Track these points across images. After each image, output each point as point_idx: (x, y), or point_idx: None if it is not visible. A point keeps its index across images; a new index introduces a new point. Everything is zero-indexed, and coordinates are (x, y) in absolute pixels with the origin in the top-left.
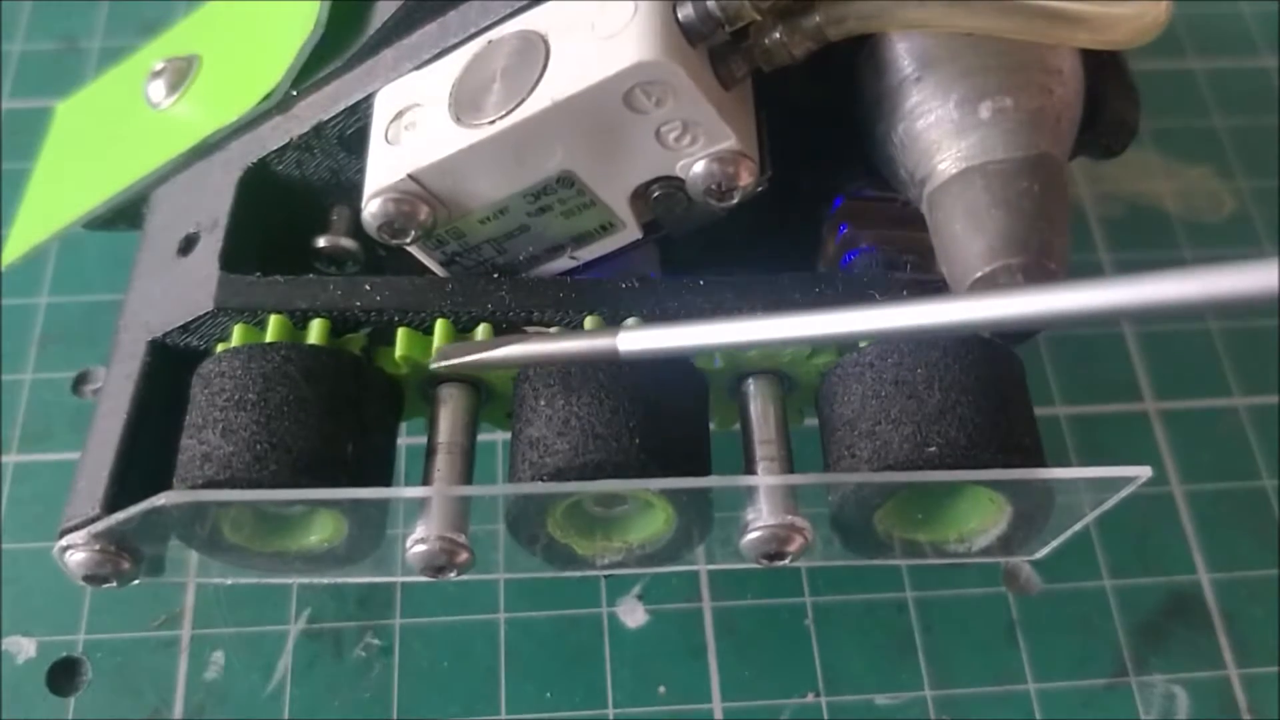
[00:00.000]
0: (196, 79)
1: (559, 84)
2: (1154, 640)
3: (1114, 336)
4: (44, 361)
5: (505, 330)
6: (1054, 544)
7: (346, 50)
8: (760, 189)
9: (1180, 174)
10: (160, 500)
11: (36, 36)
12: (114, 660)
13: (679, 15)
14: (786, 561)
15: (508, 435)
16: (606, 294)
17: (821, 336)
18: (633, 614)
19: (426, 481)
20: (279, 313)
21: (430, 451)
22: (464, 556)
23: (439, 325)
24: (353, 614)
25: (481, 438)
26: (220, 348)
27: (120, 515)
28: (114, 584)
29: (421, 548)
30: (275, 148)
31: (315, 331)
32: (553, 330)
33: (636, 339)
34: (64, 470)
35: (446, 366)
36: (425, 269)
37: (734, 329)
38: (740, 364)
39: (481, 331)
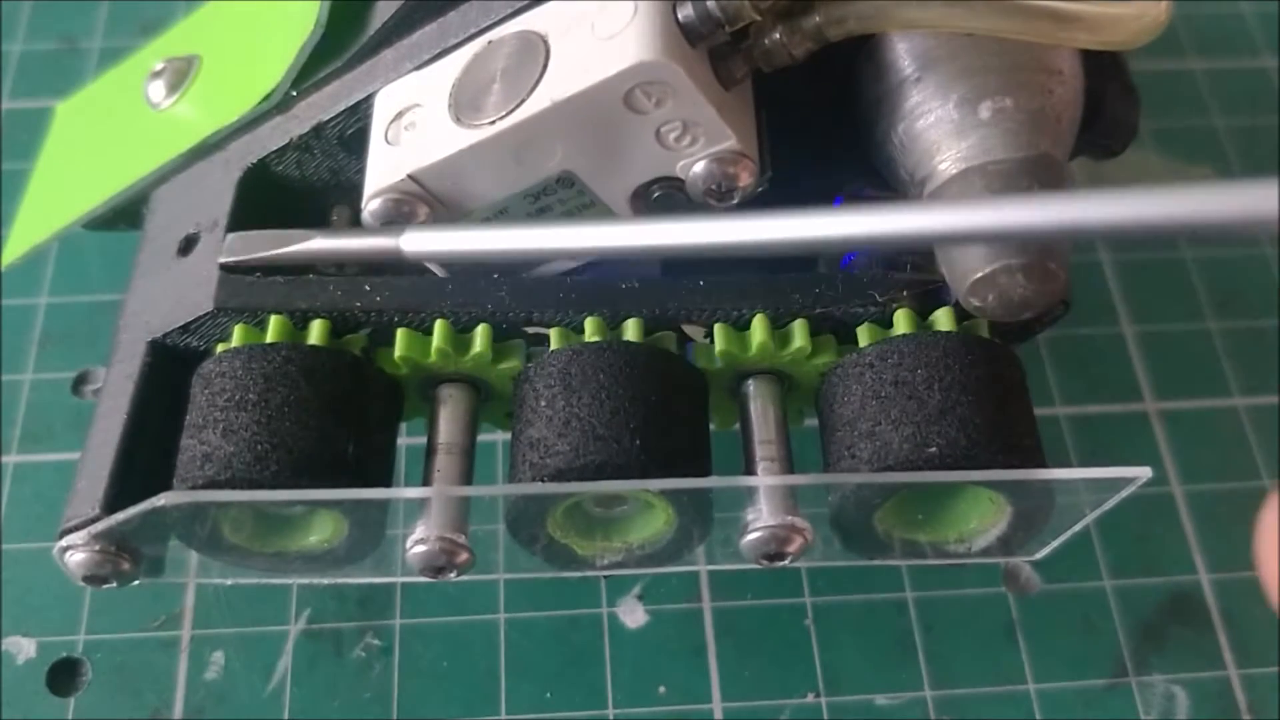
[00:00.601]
0: (196, 79)
1: (559, 84)
2: (1154, 640)
3: (1114, 337)
4: (44, 361)
5: (505, 331)
6: (1054, 544)
7: (346, 50)
8: (760, 189)
9: (1180, 174)
10: (160, 501)
11: (36, 36)
12: (114, 660)
13: (679, 16)
14: (786, 562)
15: (508, 435)
16: (606, 294)
17: (613, 248)
18: (633, 614)
19: (426, 482)
20: (279, 313)
21: (430, 451)
22: (464, 557)
23: (438, 325)
24: (353, 614)
25: (481, 438)
26: (220, 348)
27: (120, 516)
28: (114, 584)
29: (421, 548)
30: (275, 148)
31: (316, 332)
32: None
33: (421, 240)
34: (64, 470)
35: (236, 262)
36: (425, 269)
37: (522, 235)
38: (740, 364)
39: (481, 332)
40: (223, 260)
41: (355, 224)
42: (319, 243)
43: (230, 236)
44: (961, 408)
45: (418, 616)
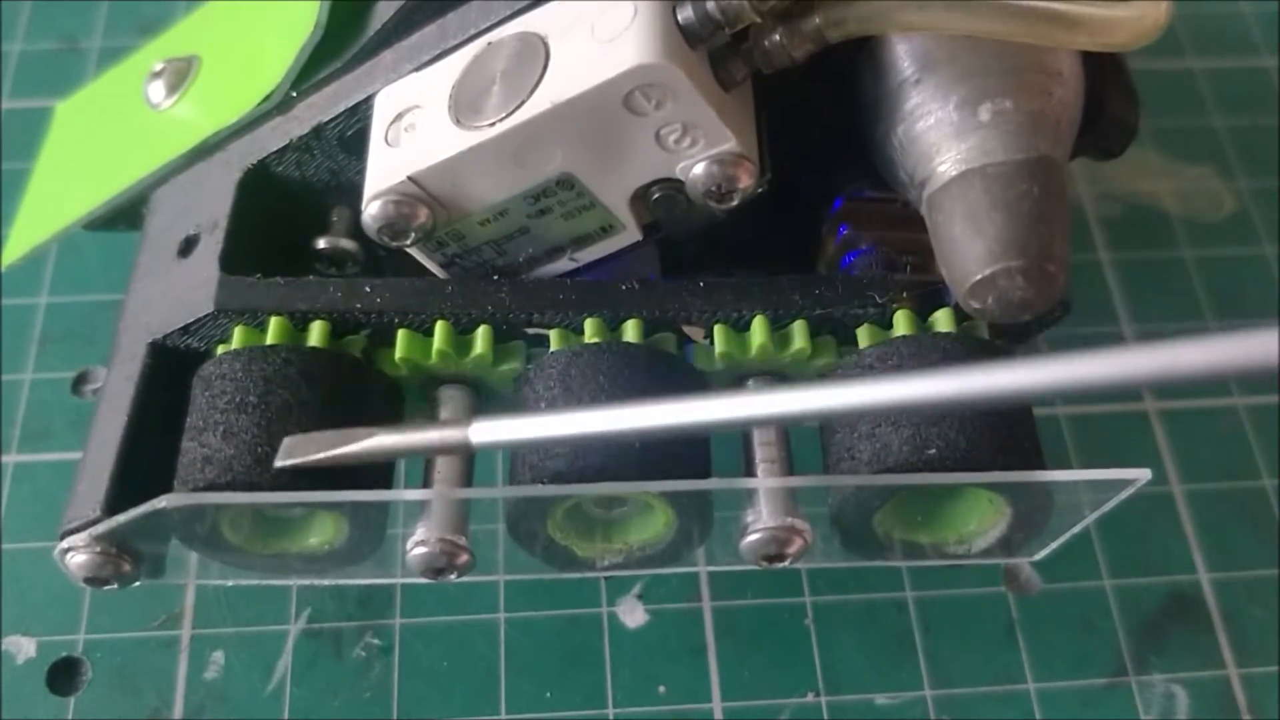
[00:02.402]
0: (196, 79)
1: (559, 86)
2: (1154, 640)
3: (1113, 337)
4: (44, 361)
5: (505, 332)
6: (1054, 545)
7: (346, 51)
8: (760, 190)
9: (1180, 174)
10: (161, 503)
11: (36, 36)
12: (114, 660)
13: (679, 18)
14: (786, 563)
15: None
16: (606, 296)
17: (691, 425)
18: (633, 614)
19: (427, 483)
20: (279, 314)
21: None
22: (464, 558)
23: (439, 327)
24: (353, 614)
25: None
26: (221, 349)
27: (121, 517)
28: (115, 586)
29: (422, 549)
30: (275, 149)
31: (316, 333)
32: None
33: (489, 430)
34: (64, 470)
35: (292, 465)
36: (425, 271)
37: (591, 419)
38: (740, 365)
39: (481, 334)
40: (278, 464)
41: (355, 224)
42: (382, 440)
43: (286, 441)
44: (961, 409)
45: (418, 616)
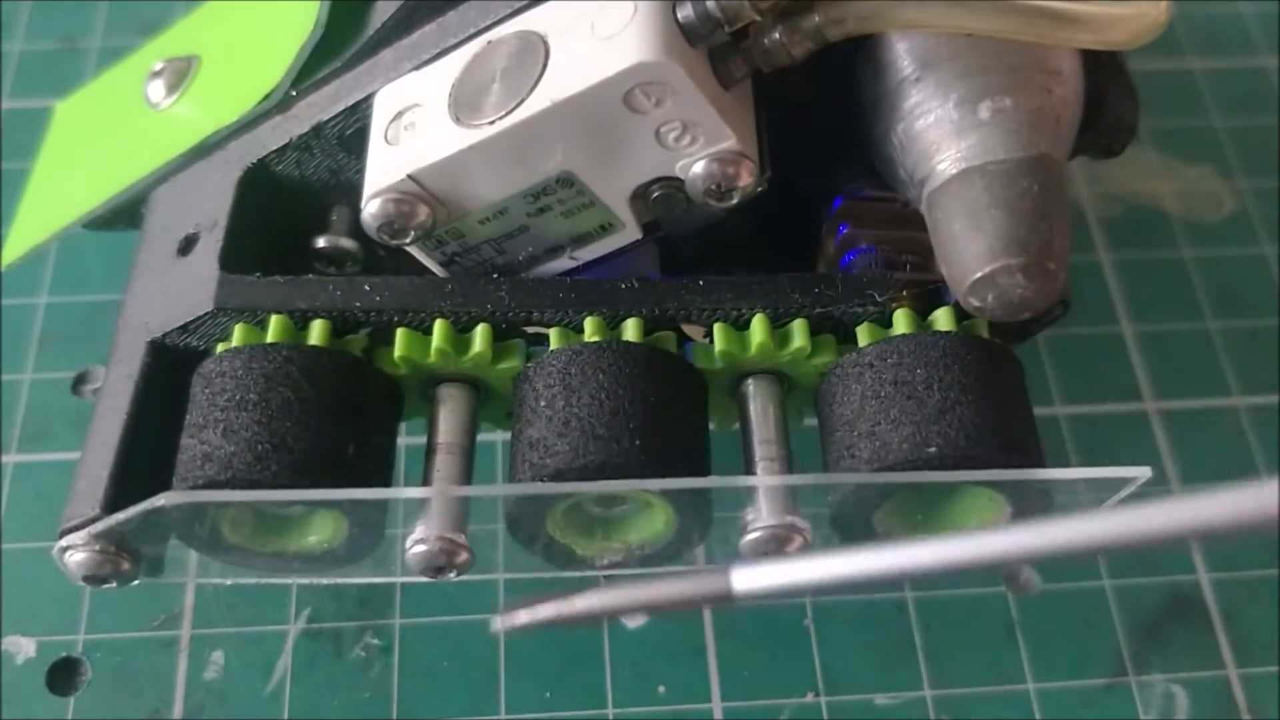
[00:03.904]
0: (196, 79)
1: (559, 84)
2: (1154, 640)
3: (1113, 336)
4: (44, 361)
5: (505, 331)
6: None
7: (346, 50)
8: (760, 189)
9: (1179, 174)
10: (160, 501)
11: (36, 36)
12: (114, 660)
13: (678, 16)
14: None
15: (508, 435)
16: (606, 294)
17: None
18: (633, 614)
19: (426, 481)
20: (279, 313)
21: (430, 451)
22: (463, 557)
23: (438, 325)
24: (353, 614)
25: (481, 438)
26: (221, 348)
27: (120, 516)
28: (114, 584)
29: (421, 548)
30: (275, 148)
31: (316, 332)
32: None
33: (752, 577)
34: (64, 470)
35: (519, 626)
36: (425, 269)
37: (852, 561)
38: (740, 364)
39: (480, 333)
40: (502, 629)
41: (355, 223)
42: (626, 593)
43: (518, 611)
44: (961, 407)
45: (417, 616)
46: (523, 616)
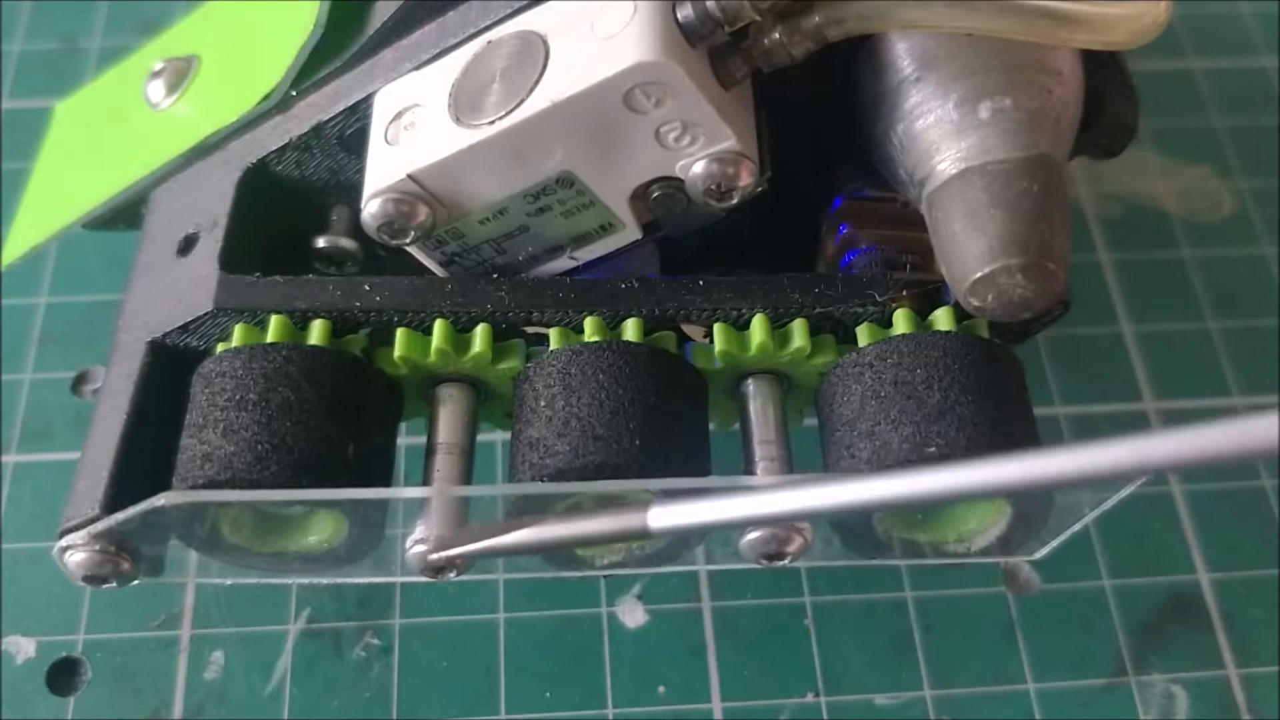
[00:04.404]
0: (196, 79)
1: (558, 84)
2: (1153, 640)
3: (1114, 336)
4: (44, 361)
5: (505, 331)
6: (1054, 544)
7: (346, 50)
8: (760, 189)
9: (1179, 174)
10: (160, 500)
11: (36, 36)
12: (114, 660)
13: (678, 16)
14: (786, 562)
15: (508, 435)
16: (606, 294)
17: (843, 505)
18: (632, 614)
19: (426, 481)
20: (279, 313)
21: (430, 451)
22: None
23: (438, 325)
24: (353, 614)
25: (481, 438)
26: (221, 347)
27: (120, 516)
28: (114, 584)
29: (421, 548)
30: (275, 148)
31: (316, 332)
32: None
33: (667, 515)
34: (64, 470)
35: (446, 558)
36: (425, 269)
37: (765, 501)
38: (740, 364)
39: (480, 332)
40: (432, 557)
41: (355, 223)
42: (548, 529)
43: (442, 535)
44: (961, 407)
45: (417, 616)
46: (455, 550)
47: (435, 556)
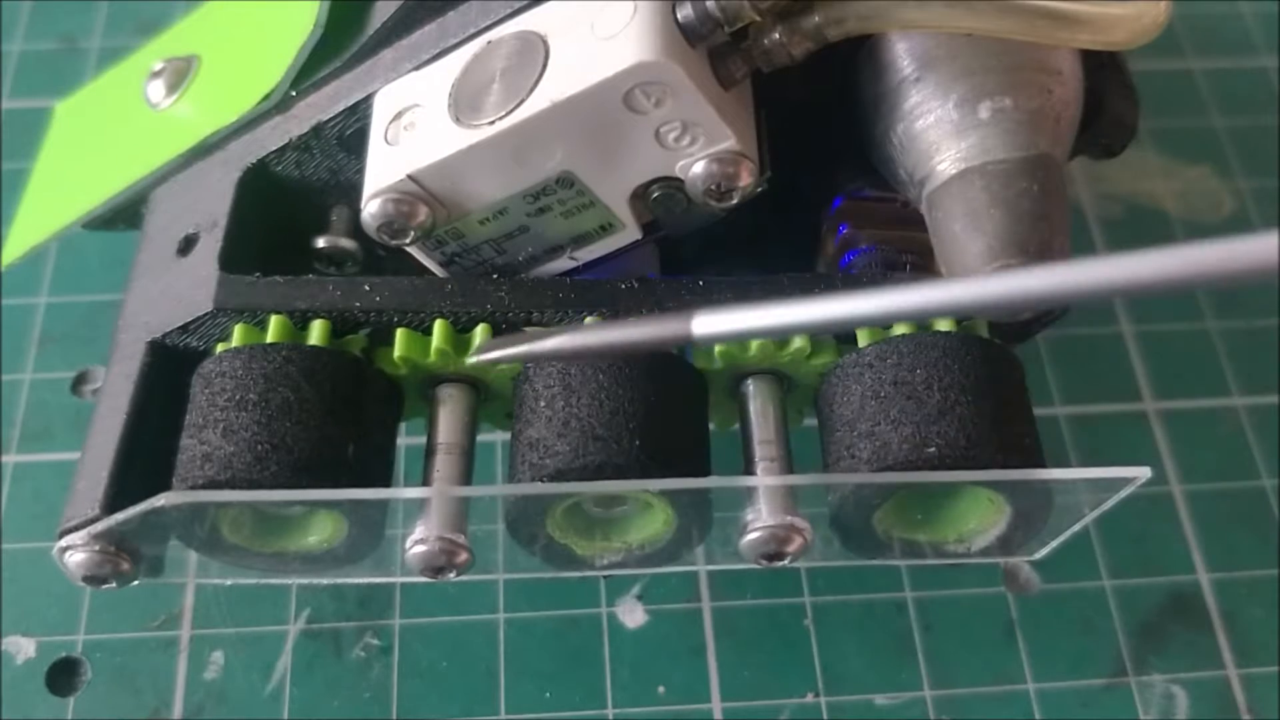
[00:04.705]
0: (196, 79)
1: (558, 85)
2: (1153, 640)
3: (1113, 336)
4: (44, 361)
5: (504, 331)
6: (1053, 544)
7: (346, 50)
8: (760, 189)
9: (1179, 174)
10: (160, 501)
11: (36, 36)
12: (113, 660)
13: (678, 16)
14: (786, 562)
15: (508, 435)
16: (606, 294)
17: (891, 313)
18: (632, 614)
19: (426, 482)
20: (279, 313)
21: (430, 451)
22: (463, 557)
23: (438, 326)
24: (352, 614)
25: (481, 438)
26: (220, 348)
27: (120, 516)
28: (113, 585)
29: (421, 548)
30: (275, 148)
31: (316, 332)
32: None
33: (713, 322)
34: (64, 470)
35: (486, 360)
36: (425, 269)
37: (807, 309)
38: (740, 364)
39: (480, 332)
40: (472, 360)
41: (354, 223)
42: (589, 335)
43: (483, 342)
44: (961, 408)
45: (417, 616)
46: (494, 353)
47: (475, 359)
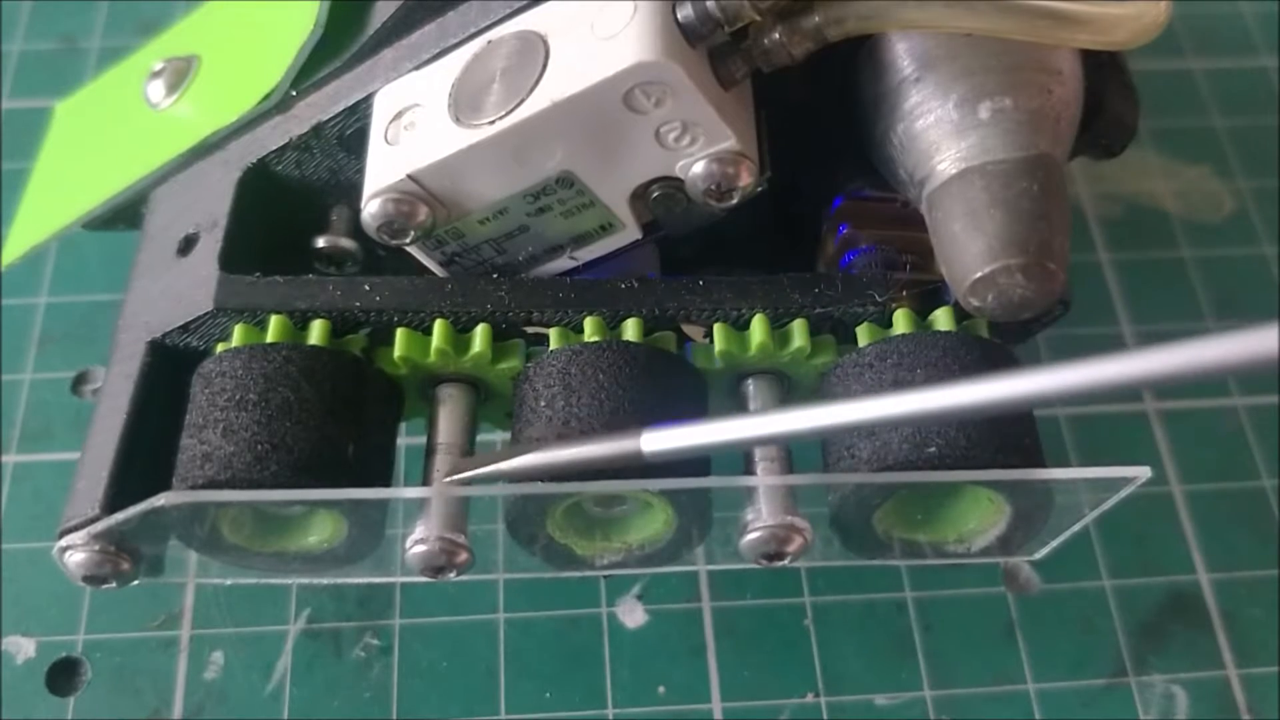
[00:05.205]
0: (196, 79)
1: (558, 84)
2: (1153, 640)
3: (1113, 337)
4: (44, 361)
5: (505, 331)
6: (1053, 544)
7: (346, 50)
8: (760, 189)
9: (1179, 174)
10: (160, 501)
11: (36, 36)
12: (113, 660)
13: (678, 16)
14: (786, 562)
15: (508, 435)
16: (606, 294)
17: (841, 425)
18: (632, 614)
19: (426, 481)
20: (279, 313)
21: (430, 451)
22: (463, 557)
23: (438, 325)
24: (352, 614)
25: (481, 438)
26: (220, 347)
27: (120, 516)
28: (113, 584)
29: (421, 548)
30: (275, 148)
31: (316, 332)
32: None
33: (660, 440)
34: (64, 470)
35: (458, 480)
36: (425, 269)
37: (757, 424)
38: (740, 364)
39: (480, 332)
40: (445, 482)
41: (354, 223)
42: (550, 454)
43: (455, 462)
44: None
45: (417, 616)
46: (466, 474)
47: (447, 480)
